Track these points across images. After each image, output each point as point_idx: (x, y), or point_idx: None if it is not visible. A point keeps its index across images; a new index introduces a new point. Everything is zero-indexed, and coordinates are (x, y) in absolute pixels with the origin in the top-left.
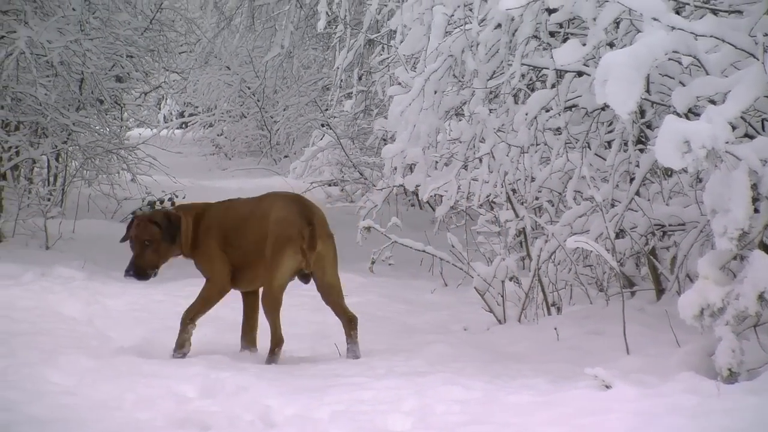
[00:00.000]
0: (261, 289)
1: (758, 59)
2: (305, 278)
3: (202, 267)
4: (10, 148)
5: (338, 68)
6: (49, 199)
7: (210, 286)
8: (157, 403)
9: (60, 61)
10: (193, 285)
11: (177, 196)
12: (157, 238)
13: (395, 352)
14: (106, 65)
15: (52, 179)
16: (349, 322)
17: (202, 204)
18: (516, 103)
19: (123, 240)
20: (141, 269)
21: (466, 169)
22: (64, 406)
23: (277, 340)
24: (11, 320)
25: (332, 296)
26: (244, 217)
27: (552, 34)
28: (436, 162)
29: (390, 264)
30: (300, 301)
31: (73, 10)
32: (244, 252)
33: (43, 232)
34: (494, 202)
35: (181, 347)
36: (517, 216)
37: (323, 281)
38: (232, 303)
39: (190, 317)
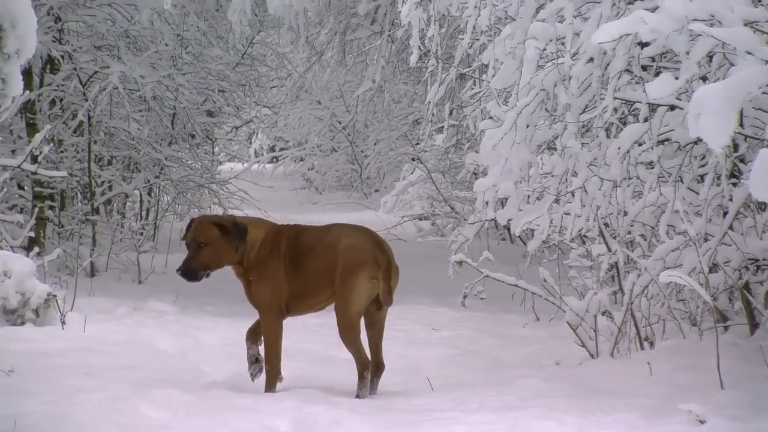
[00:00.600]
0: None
1: None
2: (379, 305)
3: (255, 290)
4: (104, 182)
5: (430, 102)
6: (141, 234)
7: (267, 322)
8: None
9: (153, 96)
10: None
11: None
12: (214, 240)
13: (487, 387)
14: (198, 100)
15: (144, 213)
16: (377, 369)
17: (274, 224)
18: (608, 137)
19: (182, 239)
20: (191, 270)
21: (558, 203)
22: None
23: (363, 365)
24: (105, 354)
25: (376, 329)
26: (313, 244)
27: (644, 67)
28: (528, 196)
29: (482, 298)
30: (392, 335)
31: (166, 45)
32: (306, 279)
33: (136, 267)
34: (586, 236)
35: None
36: (609, 250)
37: (378, 313)
38: (323, 337)
39: (271, 362)
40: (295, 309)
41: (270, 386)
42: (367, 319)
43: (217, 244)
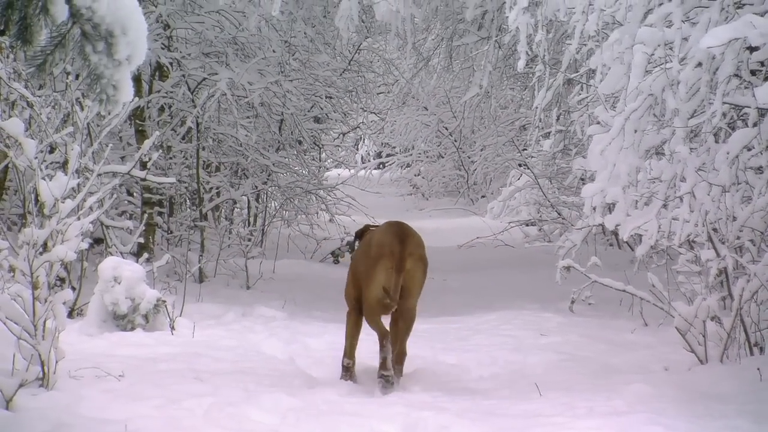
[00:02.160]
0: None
1: None
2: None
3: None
4: (212, 188)
5: (537, 108)
6: (249, 240)
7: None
8: None
9: (260, 103)
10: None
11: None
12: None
13: (595, 392)
14: (305, 106)
15: (252, 219)
16: (399, 356)
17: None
18: (717, 141)
19: (349, 251)
20: None
21: (666, 209)
22: None
23: (382, 333)
24: (214, 359)
25: (403, 321)
26: (368, 242)
27: (753, 72)
28: (636, 201)
29: (590, 303)
30: (500, 340)
31: (273, 51)
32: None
33: (244, 272)
34: (695, 242)
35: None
36: (718, 255)
37: (404, 302)
38: (431, 342)
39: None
40: None
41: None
42: (395, 313)
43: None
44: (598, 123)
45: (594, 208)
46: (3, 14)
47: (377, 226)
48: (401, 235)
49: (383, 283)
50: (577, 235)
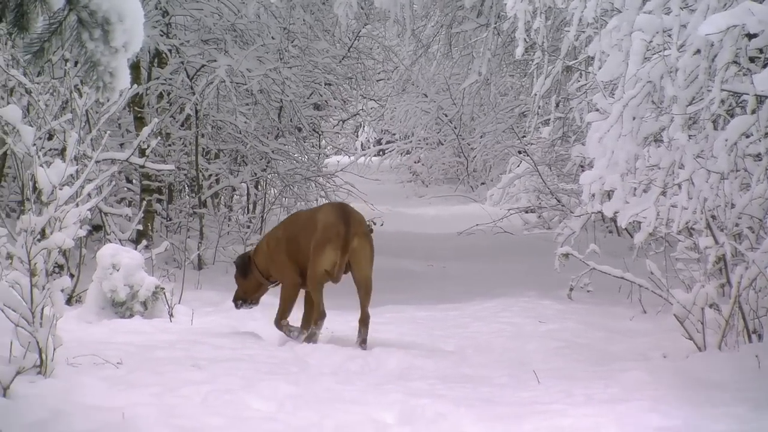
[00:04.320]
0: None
1: None
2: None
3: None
4: (211, 175)
5: (536, 95)
6: (248, 227)
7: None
8: (357, 429)
9: (259, 89)
10: (391, 311)
11: (375, 223)
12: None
13: (594, 379)
14: (304, 93)
15: (251, 206)
16: (364, 319)
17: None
18: (715, 128)
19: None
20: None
21: (665, 196)
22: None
23: (319, 314)
24: (212, 347)
25: (363, 290)
26: (304, 225)
27: (752, 59)
28: (635, 188)
29: (588, 291)
30: (498, 327)
31: (273, 38)
32: (305, 255)
33: None
34: (693, 229)
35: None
36: (717, 242)
37: (358, 274)
38: (429, 330)
39: (279, 320)
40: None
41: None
42: (356, 283)
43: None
44: (597, 110)
45: (593, 195)
46: None
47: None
48: (345, 217)
49: (330, 261)
50: (575, 223)
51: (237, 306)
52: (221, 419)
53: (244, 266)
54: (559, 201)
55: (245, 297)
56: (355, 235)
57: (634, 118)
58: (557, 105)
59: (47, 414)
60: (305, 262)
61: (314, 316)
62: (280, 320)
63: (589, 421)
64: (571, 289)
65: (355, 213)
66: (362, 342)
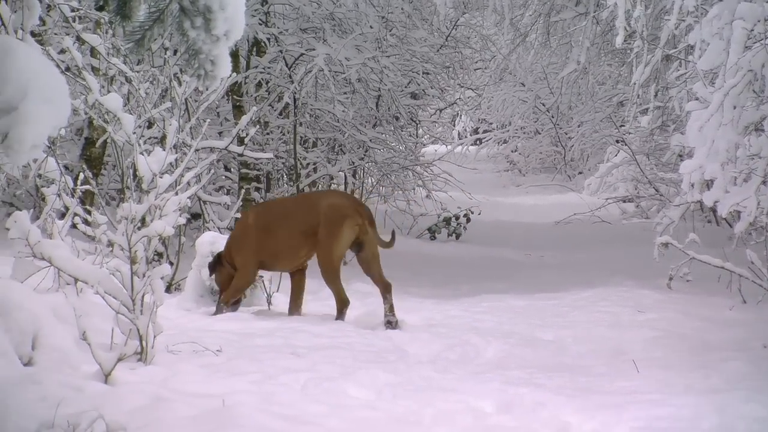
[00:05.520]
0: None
1: None
2: (360, 248)
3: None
4: (308, 164)
5: (635, 84)
6: None
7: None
8: (456, 418)
9: (357, 78)
10: (489, 301)
11: (472, 213)
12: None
13: (693, 369)
14: (402, 82)
15: None
16: (385, 288)
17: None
18: None
19: None
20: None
21: (765, 185)
22: (363, 419)
23: (342, 303)
24: (311, 335)
25: (374, 267)
26: (287, 214)
27: None
28: (735, 177)
29: (688, 280)
30: (597, 317)
31: (371, 27)
32: (284, 245)
33: None
34: None
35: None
36: None
37: (368, 254)
38: (527, 318)
39: (224, 302)
40: (279, 265)
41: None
42: (363, 266)
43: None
44: (697, 99)
45: (692, 185)
46: None
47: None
48: (358, 201)
49: (349, 243)
50: (675, 212)
51: (218, 311)
52: (321, 407)
53: (214, 264)
54: (657, 190)
55: (226, 297)
56: (370, 223)
57: (734, 107)
58: (656, 94)
59: (148, 401)
60: (277, 253)
61: (337, 305)
62: (223, 301)
63: (688, 411)
64: (671, 279)
65: (359, 200)
66: (390, 318)
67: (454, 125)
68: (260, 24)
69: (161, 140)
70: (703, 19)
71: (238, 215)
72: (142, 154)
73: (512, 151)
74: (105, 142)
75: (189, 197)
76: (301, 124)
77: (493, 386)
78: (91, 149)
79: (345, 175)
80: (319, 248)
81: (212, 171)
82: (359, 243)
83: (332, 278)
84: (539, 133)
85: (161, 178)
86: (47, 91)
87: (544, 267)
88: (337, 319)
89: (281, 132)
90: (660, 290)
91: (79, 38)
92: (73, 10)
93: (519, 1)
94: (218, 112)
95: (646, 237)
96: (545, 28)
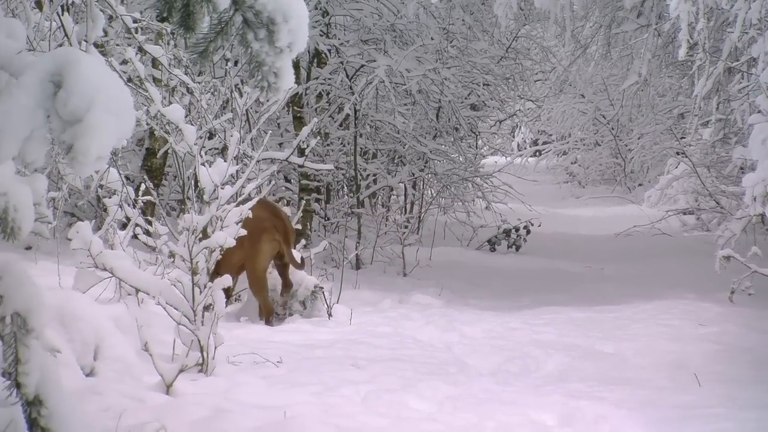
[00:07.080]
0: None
1: None
2: (281, 258)
3: None
4: (368, 176)
5: (696, 96)
6: (406, 227)
7: None
8: (517, 431)
9: (418, 90)
10: (549, 313)
11: (532, 224)
12: None
13: (756, 383)
14: (462, 93)
15: (408, 206)
16: (285, 286)
17: None
18: None
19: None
20: None
21: None
22: None
23: (269, 312)
24: (371, 346)
25: (285, 272)
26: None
27: None
28: None
29: (750, 294)
30: (657, 330)
31: (432, 38)
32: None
33: (401, 259)
34: None
35: None
36: None
37: (286, 263)
38: (588, 331)
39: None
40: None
41: None
42: (277, 269)
43: None
44: (760, 112)
45: (755, 198)
46: (166, 1)
47: None
48: (276, 212)
49: (270, 256)
50: (736, 225)
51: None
52: (382, 419)
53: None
54: (718, 203)
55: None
56: (285, 240)
57: None
58: (718, 106)
59: (209, 412)
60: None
61: (264, 314)
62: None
63: (753, 425)
64: (732, 292)
65: (280, 208)
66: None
67: (513, 137)
68: (321, 35)
69: (222, 151)
70: (767, 32)
71: (298, 226)
72: (204, 165)
73: (572, 163)
74: (166, 152)
75: (250, 208)
76: (361, 135)
77: (554, 399)
78: (153, 160)
79: (405, 187)
80: (246, 260)
81: (273, 182)
82: (280, 255)
83: (258, 289)
84: (599, 145)
85: (222, 189)
86: (112, 103)
87: (604, 279)
88: (266, 324)
89: (341, 143)
90: (721, 303)
91: (141, 49)
92: (135, 21)
93: (580, 13)
94: (279, 123)
95: (706, 250)
96: (606, 39)
